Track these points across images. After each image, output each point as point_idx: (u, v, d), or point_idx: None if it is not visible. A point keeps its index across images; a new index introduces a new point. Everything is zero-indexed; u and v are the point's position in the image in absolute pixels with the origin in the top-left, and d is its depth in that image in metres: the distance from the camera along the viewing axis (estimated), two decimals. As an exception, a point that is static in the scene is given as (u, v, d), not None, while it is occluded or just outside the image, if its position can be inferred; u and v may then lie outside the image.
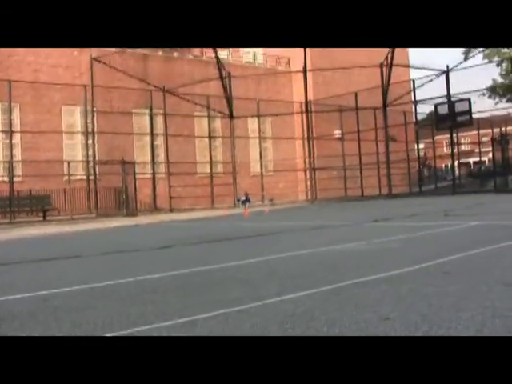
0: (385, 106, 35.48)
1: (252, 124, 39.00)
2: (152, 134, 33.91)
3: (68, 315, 4.81)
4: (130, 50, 32.75)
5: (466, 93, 34.73)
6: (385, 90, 35.21)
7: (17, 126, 29.62)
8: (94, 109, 31.25)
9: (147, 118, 34.02)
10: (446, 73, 34.80)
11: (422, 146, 46.49)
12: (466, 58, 41.97)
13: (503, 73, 47.00)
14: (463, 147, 54.78)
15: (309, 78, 37.20)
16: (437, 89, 35.59)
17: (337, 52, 38.56)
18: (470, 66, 35.30)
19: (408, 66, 41.70)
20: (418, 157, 40.82)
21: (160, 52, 35.71)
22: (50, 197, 28.37)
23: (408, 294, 4.91)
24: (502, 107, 43.01)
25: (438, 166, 52.90)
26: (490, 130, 43.59)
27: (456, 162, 41.54)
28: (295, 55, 38.84)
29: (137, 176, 30.48)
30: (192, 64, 36.87)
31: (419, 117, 40.96)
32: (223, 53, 37.50)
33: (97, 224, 22.24)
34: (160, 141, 34.45)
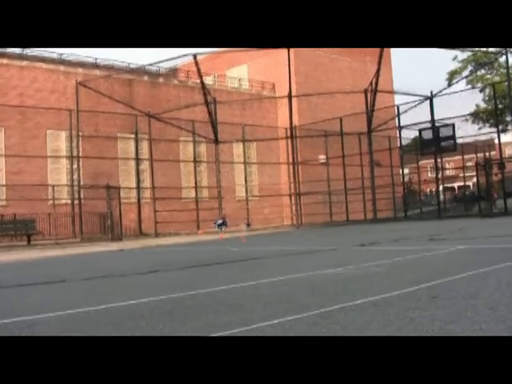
0: (369, 131, 35.65)
1: (237, 149, 39.11)
2: (137, 159, 33.93)
3: (54, 340, 4.76)
4: (115, 75, 32.83)
5: (449, 118, 35.04)
6: (369, 116, 35.40)
7: (1, 150, 29.55)
8: (80, 133, 31.23)
9: (132, 142, 34.05)
10: (430, 98, 35.10)
11: (406, 170, 46.77)
12: (449, 84, 42.32)
13: (486, 98, 47.43)
14: (448, 172, 55.11)
15: (294, 104, 37.36)
16: (421, 114, 35.90)
17: (322, 77, 38.85)
18: (454, 92, 35.62)
19: (392, 92, 42.04)
20: (403, 181, 41.02)
21: (146, 77, 35.83)
22: (34, 221, 28.25)
23: (395, 318, 4.91)
24: (486, 132, 43.31)
25: (423, 190, 53.11)
26: (474, 155, 43.92)
27: (441, 187, 41.73)
28: (280, 80, 39.08)
29: (122, 201, 30.42)
30: (177, 89, 37.02)
31: (404, 142, 41.29)
32: (209, 78, 37.70)
33: (81, 249, 22.13)
34: (145, 165, 34.46)
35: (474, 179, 43.71)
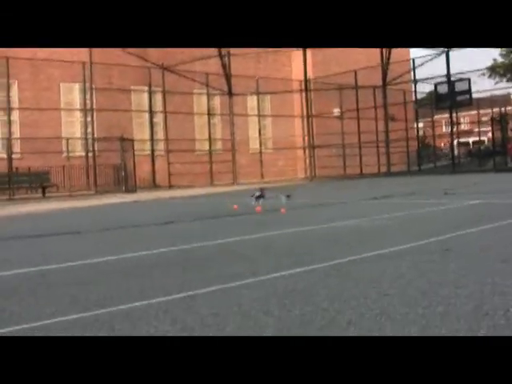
0: (384, 84, 35.33)
1: (251, 102, 38.89)
2: (151, 112, 33.82)
3: (67, 290, 4.81)
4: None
5: (466, 72, 34.68)
6: (384, 69, 35.06)
7: (15, 103, 29.53)
8: (93, 86, 31.11)
9: (146, 95, 33.92)
10: (447, 52, 34.63)
11: (421, 125, 46.42)
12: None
13: (503, 53, 46.82)
14: (462, 127, 54.68)
15: (308, 56, 37.00)
16: (437, 68, 35.53)
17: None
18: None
19: (408, 45, 41.50)
20: (418, 136, 40.73)
21: (159, 29, 35.50)
22: (48, 173, 28.33)
23: (408, 270, 4.92)
24: (502, 87, 42.89)
25: (438, 145, 52.79)
26: (489, 110, 43.51)
27: (455, 142, 41.45)
28: (295, 33, 38.61)
29: (136, 153, 30.39)
30: (191, 41, 36.68)
31: (419, 96, 40.89)
32: (223, 30, 37.23)
33: (96, 200, 22.22)
34: (159, 118, 34.37)
35: (489, 134, 43.38)
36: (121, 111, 32.07)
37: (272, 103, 39.93)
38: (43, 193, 27.29)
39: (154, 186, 32.30)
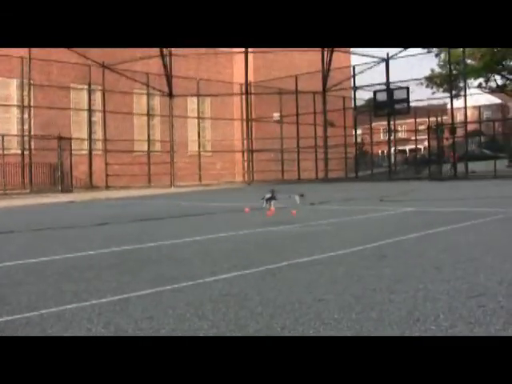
0: (324, 90, 35.69)
1: (191, 104, 38.79)
2: (90, 110, 33.42)
3: (-2, 290, 4.70)
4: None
5: (404, 81, 35.31)
6: (325, 75, 35.41)
7: None
8: (31, 82, 30.60)
9: (85, 93, 33.51)
10: (386, 61, 35.20)
11: (359, 131, 46.98)
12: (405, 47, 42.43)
13: (441, 63, 47.78)
14: (400, 134, 55.53)
15: (250, 60, 37.09)
16: (376, 76, 36.05)
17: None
18: (410, 55, 35.82)
19: (349, 52, 41.95)
20: (356, 142, 41.18)
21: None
22: (-18, 170, 27.76)
23: (343, 276, 4.95)
24: (439, 97, 43.75)
25: (375, 152, 53.49)
26: (426, 119, 44.32)
27: (392, 149, 42.10)
28: (237, 36, 38.64)
29: (73, 152, 30.04)
30: (132, 40, 36.38)
31: (358, 103, 41.35)
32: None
33: (30, 200, 21.85)
34: (98, 117, 33.98)
35: (426, 143, 44.20)
36: (59, 109, 31.60)
37: (212, 106, 39.89)
38: (-24, 190, 26.72)
39: (91, 186, 31.92)
